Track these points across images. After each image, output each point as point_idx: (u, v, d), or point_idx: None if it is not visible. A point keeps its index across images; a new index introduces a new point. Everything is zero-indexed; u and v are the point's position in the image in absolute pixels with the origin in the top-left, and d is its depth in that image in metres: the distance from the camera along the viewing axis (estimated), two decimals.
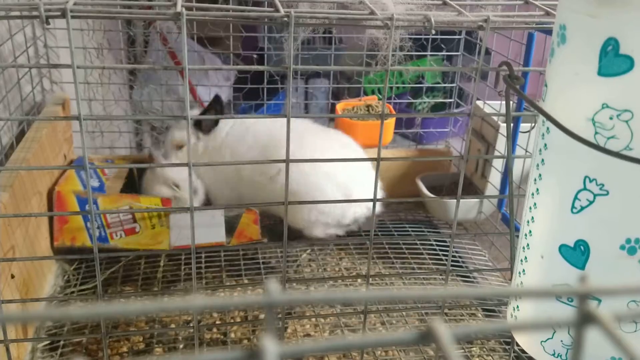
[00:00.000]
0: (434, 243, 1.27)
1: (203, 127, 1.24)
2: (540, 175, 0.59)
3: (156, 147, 1.30)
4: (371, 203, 0.75)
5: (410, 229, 1.34)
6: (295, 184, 1.07)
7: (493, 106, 1.36)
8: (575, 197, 0.54)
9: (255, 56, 1.78)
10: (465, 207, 1.30)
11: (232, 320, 1.02)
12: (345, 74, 2.07)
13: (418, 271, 1.20)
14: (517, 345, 0.68)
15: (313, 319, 1.03)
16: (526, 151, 1.16)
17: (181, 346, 0.95)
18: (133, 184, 1.27)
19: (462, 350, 0.98)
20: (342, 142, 1.22)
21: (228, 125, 1.24)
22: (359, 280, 1.15)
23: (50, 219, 1.09)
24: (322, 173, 1.12)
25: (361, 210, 1.17)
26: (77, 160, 1.29)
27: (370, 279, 1.13)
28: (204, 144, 1.24)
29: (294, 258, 1.20)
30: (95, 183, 1.19)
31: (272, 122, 1.21)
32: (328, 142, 1.21)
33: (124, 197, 1.14)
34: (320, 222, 1.15)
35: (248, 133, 1.21)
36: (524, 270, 0.63)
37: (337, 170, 1.13)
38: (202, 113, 1.22)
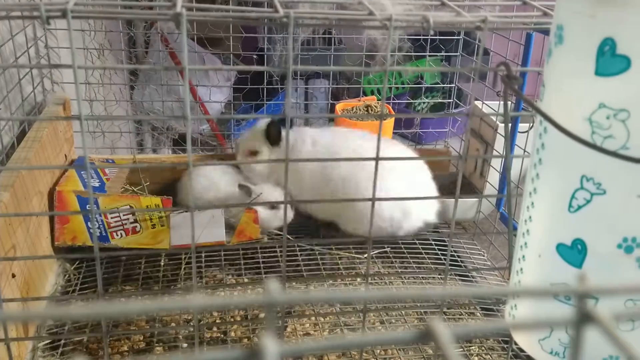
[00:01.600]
0: (433, 242, 1.28)
1: (271, 140, 1.28)
2: (537, 174, 0.59)
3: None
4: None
5: None
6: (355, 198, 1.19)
7: (491, 106, 1.36)
8: (573, 196, 0.55)
9: (255, 57, 1.79)
10: (464, 207, 1.31)
11: (232, 319, 1.03)
12: (345, 75, 2.08)
13: (417, 270, 1.20)
14: (515, 343, 0.69)
15: (313, 318, 1.03)
16: (524, 151, 1.16)
17: (181, 345, 0.96)
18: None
19: (461, 349, 0.99)
20: (413, 166, 1.26)
21: (299, 143, 1.26)
22: (359, 279, 1.15)
23: (51, 219, 1.09)
24: (382, 190, 1.13)
25: (417, 224, 1.23)
26: (77, 160, 1.29)
27: (370, 278, 1.13)
28: (277, 155, 1.28)
29: (294, 257, 1.21)
30: (95, 183, 1.19)
31: (356, 142, 1.23)
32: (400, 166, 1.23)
33: (124, 197, 1.14)
34: (376, 234, 1.19)
35: (330, 153, 1.25)
36: (521, 269, 0.63)
37: (397, 188, 1.19)
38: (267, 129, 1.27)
